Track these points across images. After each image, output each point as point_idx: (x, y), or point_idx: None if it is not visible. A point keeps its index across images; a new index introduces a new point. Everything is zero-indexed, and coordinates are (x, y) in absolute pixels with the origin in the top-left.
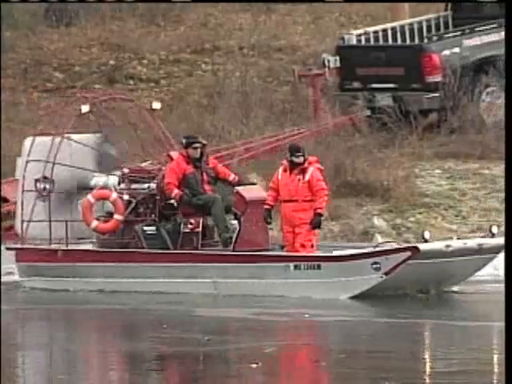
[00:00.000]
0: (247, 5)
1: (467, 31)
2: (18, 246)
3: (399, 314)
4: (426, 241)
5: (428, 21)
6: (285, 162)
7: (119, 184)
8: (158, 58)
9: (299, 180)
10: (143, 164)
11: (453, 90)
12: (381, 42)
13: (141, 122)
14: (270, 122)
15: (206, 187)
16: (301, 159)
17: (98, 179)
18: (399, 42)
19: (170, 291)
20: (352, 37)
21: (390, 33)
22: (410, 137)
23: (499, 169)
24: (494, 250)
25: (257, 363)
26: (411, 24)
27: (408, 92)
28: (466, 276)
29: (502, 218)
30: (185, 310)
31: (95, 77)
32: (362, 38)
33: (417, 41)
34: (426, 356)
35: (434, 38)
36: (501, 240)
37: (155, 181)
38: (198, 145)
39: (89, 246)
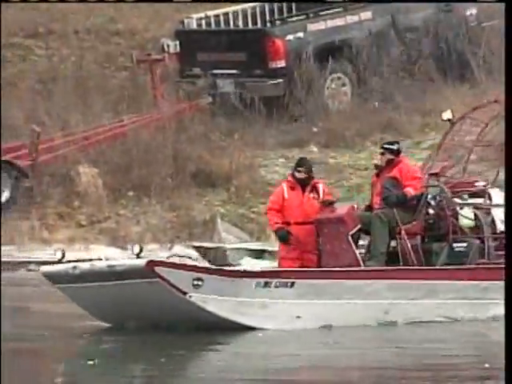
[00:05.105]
0: None
1: (311, 15)
2: None
3: None
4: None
5: (271, 4)
6: (290, 178)
7: None
8: None
9: (314, 198)
10: None
11: (297, 76)
12: (222, 27)
13: None
14: (108, 110)
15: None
16: (302, 175)
17: None
18: (241, 26)
19: None
20: (192, 21)
21: (231, 17)
22: (253, 125)
23: (344, 158)
24: (147, 275)
25: None
26: (254, 8)
27: (250, 78)
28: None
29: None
30: None
31: None
32: (203, 22)
33: (259, 25)
34: None
35: (277, 22)
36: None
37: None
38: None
39: None
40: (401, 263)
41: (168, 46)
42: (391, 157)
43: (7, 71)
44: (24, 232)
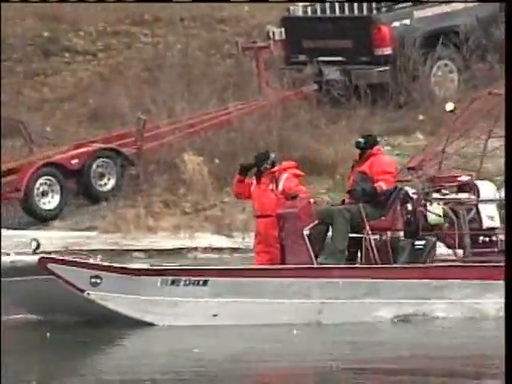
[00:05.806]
0: None
1: (418, 2)
2: None
3: None
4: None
5: None
6: None
7: None
8: (95, 30)
9: (272, 190)
10: None
11: (403, 63)
12: (328, 14)
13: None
14: (213, 97)
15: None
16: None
17: None
18: (347, 13)
19: None
20: (298, 8)
21: (337, 4)
22: (359, 112)
23: (451, 146)
24: (41, 272)
25: None
26: None
27: (356, 65)
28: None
29: None
30: None
31: (29, 50)
32: (309, 9)
33: (365, 12)
34: None
35: (384, 9)
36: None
37: None
38: None
39: None
40: (363, 260)
41: (273, 33)
42: (364, 151)
43: (114, 59)
44: (130, 220)
